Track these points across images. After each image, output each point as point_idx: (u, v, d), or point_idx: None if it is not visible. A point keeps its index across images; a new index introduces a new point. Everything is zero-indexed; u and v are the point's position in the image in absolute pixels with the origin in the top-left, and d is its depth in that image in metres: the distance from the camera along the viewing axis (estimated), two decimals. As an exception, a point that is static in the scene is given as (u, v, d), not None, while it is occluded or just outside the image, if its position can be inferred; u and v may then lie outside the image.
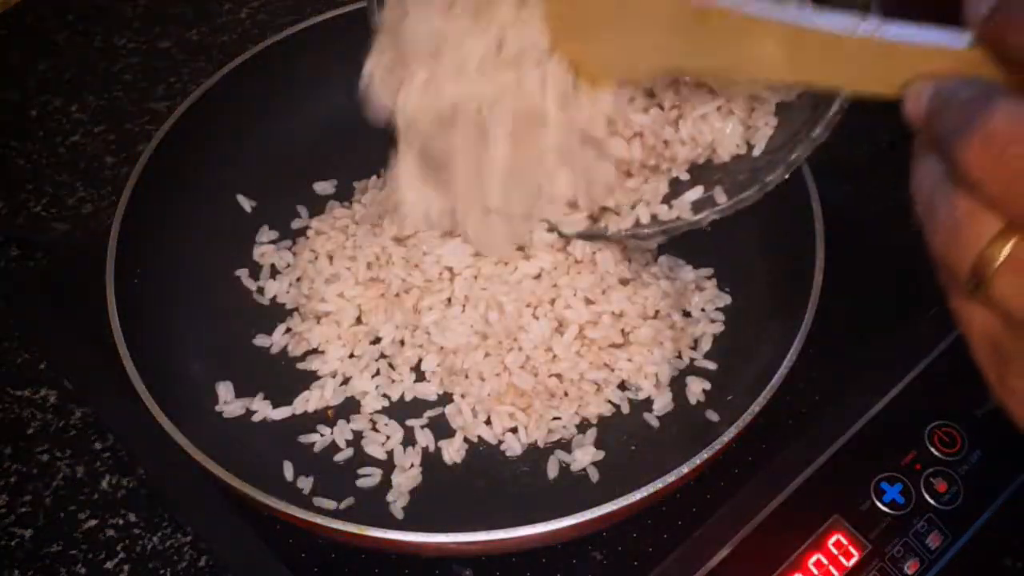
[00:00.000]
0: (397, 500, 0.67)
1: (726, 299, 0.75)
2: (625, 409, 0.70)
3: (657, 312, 0.72)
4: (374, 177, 0.82)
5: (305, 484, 0.67)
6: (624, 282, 0.72)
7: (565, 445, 0.69)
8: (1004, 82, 0.35)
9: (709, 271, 0.77)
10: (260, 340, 0.75)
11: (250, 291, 0.78)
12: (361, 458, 0.69)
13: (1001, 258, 0.34)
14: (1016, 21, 0.34)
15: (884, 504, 0.65)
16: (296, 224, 0.81)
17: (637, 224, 0.66)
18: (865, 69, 0.42)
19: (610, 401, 0.70)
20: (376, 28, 0.63)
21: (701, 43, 0.49)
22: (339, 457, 0.69)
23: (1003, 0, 0.35)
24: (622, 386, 0.71)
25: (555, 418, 0.70)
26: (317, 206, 0.82)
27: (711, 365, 0.72)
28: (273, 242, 0.80)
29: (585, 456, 0.68)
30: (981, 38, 0.36)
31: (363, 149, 0.83)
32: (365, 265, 0.74)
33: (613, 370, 0.71)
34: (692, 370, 0.72)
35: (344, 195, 0.81)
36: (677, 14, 0.49)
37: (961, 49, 0.37)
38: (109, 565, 0.68)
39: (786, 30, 0.44)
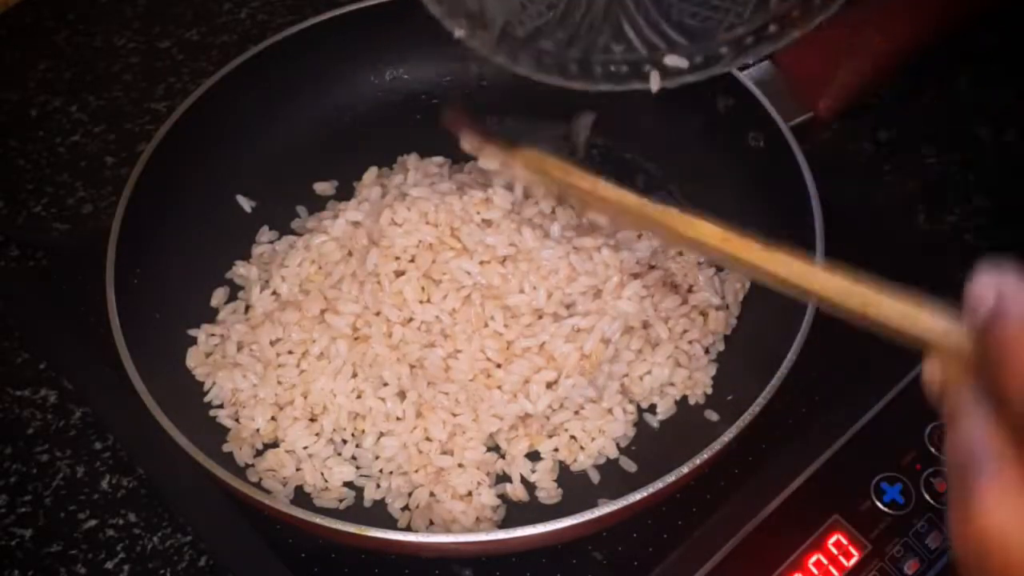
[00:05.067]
0: (396, 500, 0.67)
1: (726, 299, 0.75)
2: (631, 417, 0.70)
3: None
4: (373, 169, 0.82)
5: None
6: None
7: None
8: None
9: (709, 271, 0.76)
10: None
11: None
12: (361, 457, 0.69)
13: None
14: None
15: (884, 504, 0.65)
16: (296, 224, 0.81)
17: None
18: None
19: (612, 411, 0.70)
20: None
21: None
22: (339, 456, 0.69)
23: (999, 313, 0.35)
24: (626, 393, 0.71)
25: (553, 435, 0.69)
26: (317, 206, 0.82)
27: (711, 366, 0.72)
28: (273, 242, 0.80)
29: (585, 457, 0.68)
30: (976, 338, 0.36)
31: (363, 149, 0.83)
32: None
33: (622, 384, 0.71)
34: (694, 372, 0.72)
35: (344, 195, 0.81)
36: None
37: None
38: (109, 565, 0.68)
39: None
